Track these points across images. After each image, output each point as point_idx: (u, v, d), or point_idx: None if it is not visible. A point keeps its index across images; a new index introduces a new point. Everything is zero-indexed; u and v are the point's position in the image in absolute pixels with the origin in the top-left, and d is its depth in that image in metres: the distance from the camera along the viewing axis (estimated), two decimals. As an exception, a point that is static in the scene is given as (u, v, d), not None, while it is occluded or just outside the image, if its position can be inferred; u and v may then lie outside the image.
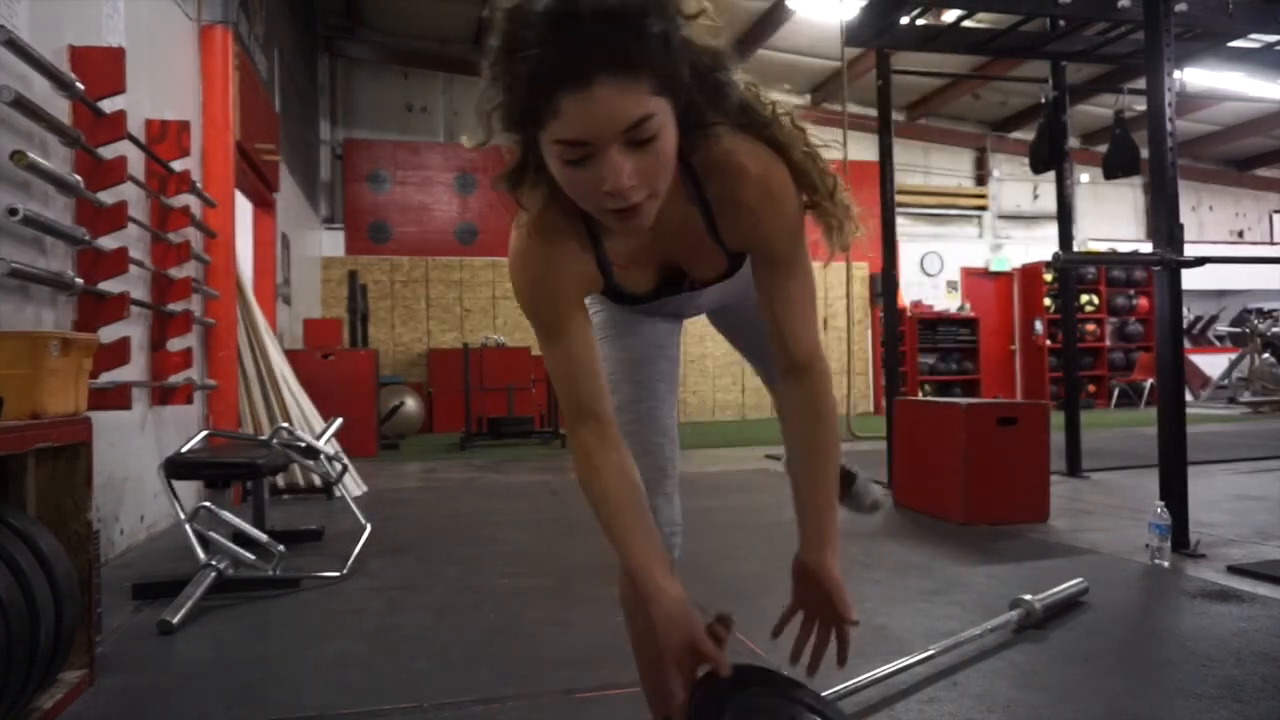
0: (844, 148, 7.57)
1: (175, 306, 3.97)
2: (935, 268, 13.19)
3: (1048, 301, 12.43)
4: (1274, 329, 11.11)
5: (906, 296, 12.18)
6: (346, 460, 4.46)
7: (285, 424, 3.98)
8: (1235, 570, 2.93)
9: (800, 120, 1.15)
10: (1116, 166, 5.40)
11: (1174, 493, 3.24)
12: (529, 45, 0.87)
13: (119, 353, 3.14)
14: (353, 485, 5.09)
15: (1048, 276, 12.26)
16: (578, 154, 0.92)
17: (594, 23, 0.85)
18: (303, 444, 3.56)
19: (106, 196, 3.12)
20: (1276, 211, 15.22)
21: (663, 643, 1.08)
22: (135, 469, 3.64)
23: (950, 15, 5.02)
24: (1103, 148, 5.77)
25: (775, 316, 1.19)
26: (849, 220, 1.16)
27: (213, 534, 2.85)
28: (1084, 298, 12.50)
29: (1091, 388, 12.51)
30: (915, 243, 12.98)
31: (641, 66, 0.89)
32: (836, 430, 1.23)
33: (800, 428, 1.22)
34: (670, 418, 1.42)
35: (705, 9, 0.98)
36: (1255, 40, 5.32)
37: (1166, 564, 3.03)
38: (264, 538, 3.03)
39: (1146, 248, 3.90)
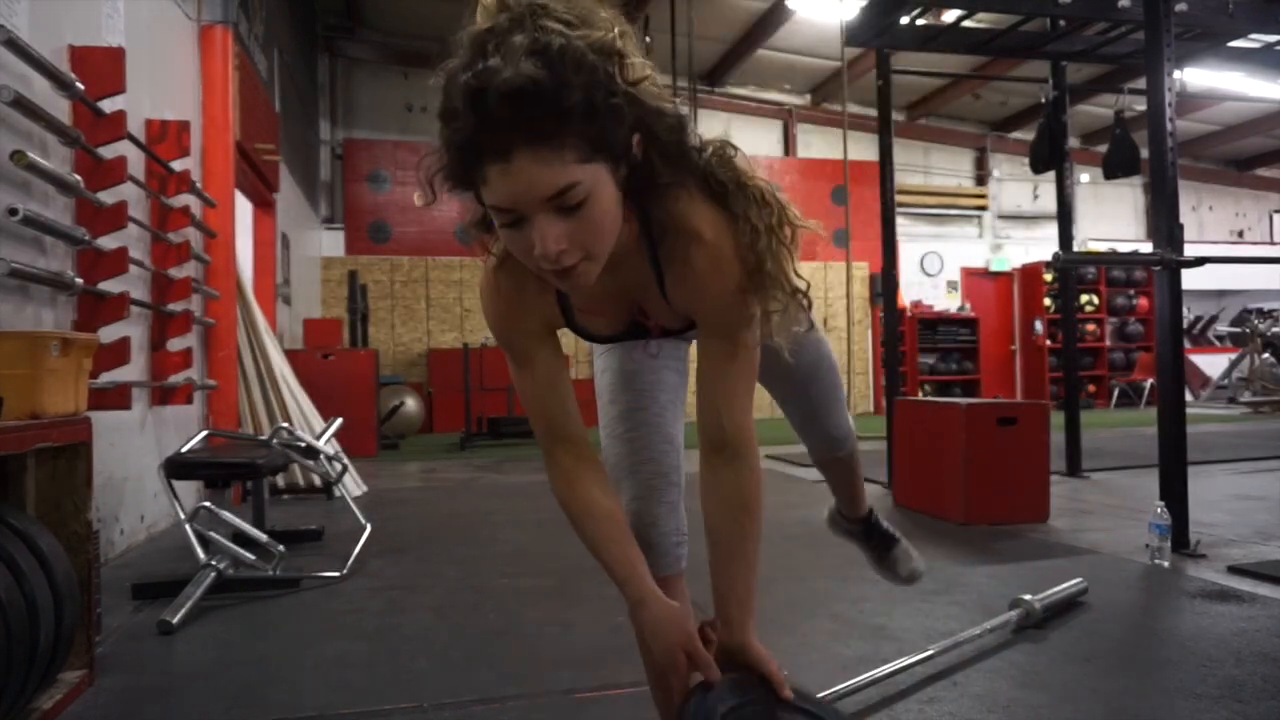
0: (844, 148, 7.59)
1: (175, 306, 3.97)
2: (935, 268, 13.19)
3: (1048, 301, 12.43)
4: (1274, 329, 11.11)
5: (906, 296, 12.17)
6: (346, 460, 4.46)
7: (285, 424, 3.98)
8: (1235, 570, 2.93)
9: (779, 195, 1.10)
10: (1116, 166, 5.40)
11: (1174, 493, 3.24)
12: (457, 116, 0.91)
13: (119, 353, 3.14)
14: (353, 485, 5.09)
15: (1048, 276, 12.26)
16: (508, 219, 0.96)
17: (504, 100, 0.87)
18: (303, 444, 3.56)
19: (106, 196, 3.12)
20: (1276, 211, 15.22)
21: (653, 647, 1.12)
22: (135, 469, 3.64)
23: (950, 15, 5.02)
24: (1103, 148, 5.77)
25: (708, 390, 1.16)
26: (792, 312, 1.11)
27: (213, 534, 2.85)
28: (1084, 298, 12.50)
29: (1091, 388, 12.51)
30: (915, 243, 12.98)
31: (562, 136, 0.89)
32: (761, 516, 1.18)
33: (725, 515, 1.17)
34: (675, 426, 1.40)
35: (648, 75, 0.99)
36: (1255, 40, 5.32)
37: (1166, 564, 3.03)
38: (264, 538, 3.03)
39: (1146, 248, 3.90)
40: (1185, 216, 3.39)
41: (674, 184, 1.06)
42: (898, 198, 5.60)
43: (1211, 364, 12.75)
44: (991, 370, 12.60)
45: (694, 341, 1.49)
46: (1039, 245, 13.06)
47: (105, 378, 3.08)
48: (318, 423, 5.27)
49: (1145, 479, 4.80)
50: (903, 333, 11.38)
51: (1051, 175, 5.43)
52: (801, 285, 1.12)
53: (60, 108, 2.91)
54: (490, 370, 9.75)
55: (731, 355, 1.15)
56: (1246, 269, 10.93)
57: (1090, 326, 12.56)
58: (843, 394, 1.68)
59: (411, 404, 9.21)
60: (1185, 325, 8.00)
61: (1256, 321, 11.33)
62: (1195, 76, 8.46)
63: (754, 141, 12.05)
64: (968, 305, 12.72)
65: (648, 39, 8.23)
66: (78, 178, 2.93)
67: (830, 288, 12.25)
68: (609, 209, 0.98)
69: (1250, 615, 2.43)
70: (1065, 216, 5.37)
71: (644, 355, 1.39)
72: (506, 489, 5.43)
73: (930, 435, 4.16)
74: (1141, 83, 3.66)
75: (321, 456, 3.63)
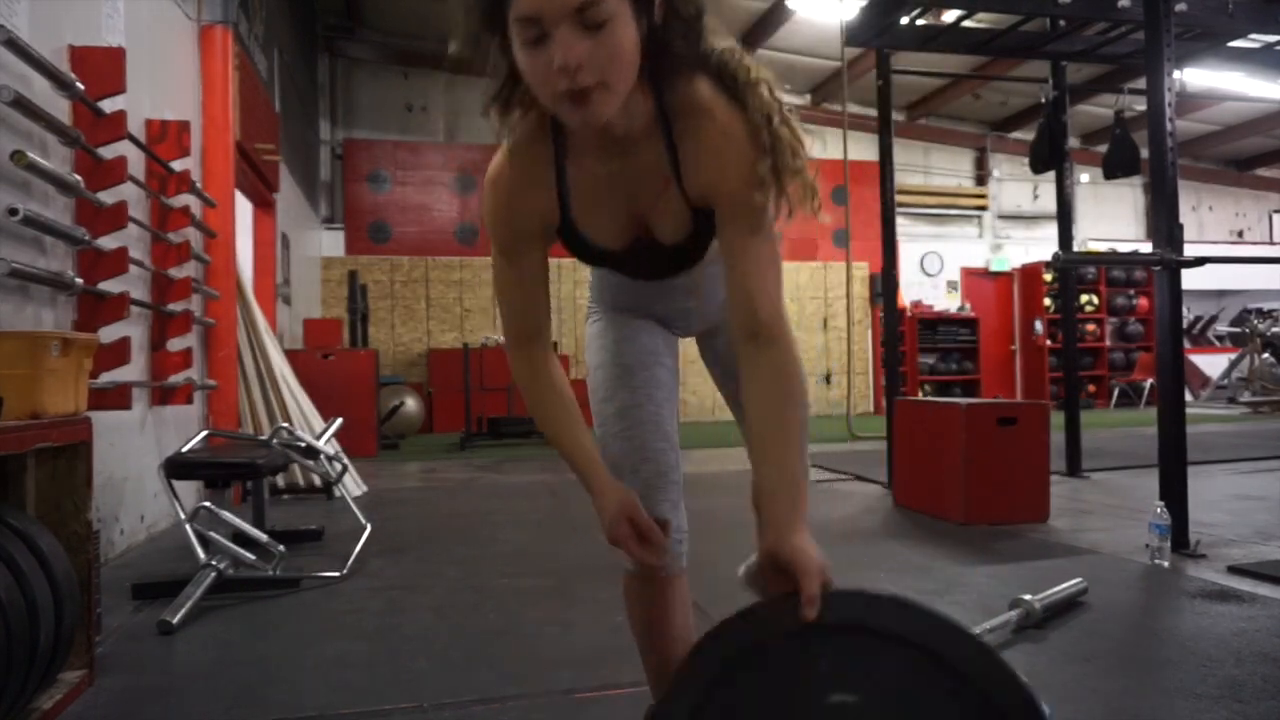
0: (844, 148, 7.59)
1: (175, 306, 3.97)
2: (935, 268, 13.19)
3: (1048, 301, 12.43)
4: (1274, 329, 11.11)
5: (906, 296, 12.17)
6: (346, 460, 4.46)
7: (285, 424, 3.98)
8: (1235, 570, 2.93)
9: (780, 94, 1.13)
10: (1116, 166, 5.40)
11: (1174, 493, 3.24)
12: None
13: (119, 353, 3.14)
14: (353, 485, 5.09)
15: (1048, 276, 12.26)
16: (533, 33, 0.97)
17: None
18: (303, 444, 3.56)
19: (106, 196, 3.12)
20: (1276, 211, 15.22)
21: (607, 531, 1.18)
22: (135, 469, 3.64)
23: (950, 15, 5.02)
24: (1103, 148, 5.77)
25: (736, 275, 1.15)
26: (808, 200, 1.13)
27: (213, 534, 2.85)
28: (1084, 298, 12.50)
29: (1091, 388, 12.51)
30: (915, 243, 12.98)
31: None
32: (805, 404, 1.14)
33: (767, 402, 1.13)
34: (672, 424, 1.40)
35: None
36: (1255, 40, 5.32)
37: (1166, 564, 3.03)
38: (264, 538, 3.02)
39: (1146, 248, 3.90)
40: (1185, 216, 3.39)
41: (688, 68, 1.10)
42: (898, 198, 5.60)
43: (1211, 364, 12.75)
44: (991, 370, 12.60)
45: (682, 336, 1.52)
46: (1039, 245, 13.06)
47: (105, 378, 3.08)
48: (318, 423, 5.27)
49: (1145, 479, 4.80)
50: (903, 333, 11.38)
51: (1051, 175, 5.43)
52: (811, 173, 1.13)
53: (60, 108, 2.91)
54: (490, 370, 9.75)
55: (754, 237, 1.14)
56: (1246, 269, 10.93)
57: (1090, 326, 12.56)
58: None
59: (411, 404, 9.21)
60: (1185, 325, 8.00)
61: (1256, 321, 11.33)
62: (1195, 76, 8.46)
63: (754, 141, 12.02)
64: (968, 305, 12.72)
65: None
66: (78, 178, 2.93)
67: (830, 288, 12.26)
68: (629, 44, 1.00)
69: (1250, 615, 2.43)
70: (1065, 216, 5.37)
71: (646, 347, 1.41)
72: (506, 489, 5.43)
73: (930, 435, 4.16)
74: (1141, 83, 3.66)
75: (321, 456, 3.63)
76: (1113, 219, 14.18)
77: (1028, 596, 2.37)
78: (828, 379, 12.18)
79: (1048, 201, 12.75)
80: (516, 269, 1.23)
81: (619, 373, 1.39)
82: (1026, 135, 12.25)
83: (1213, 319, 13.83)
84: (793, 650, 0.93)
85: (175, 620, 2.49)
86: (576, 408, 1.28)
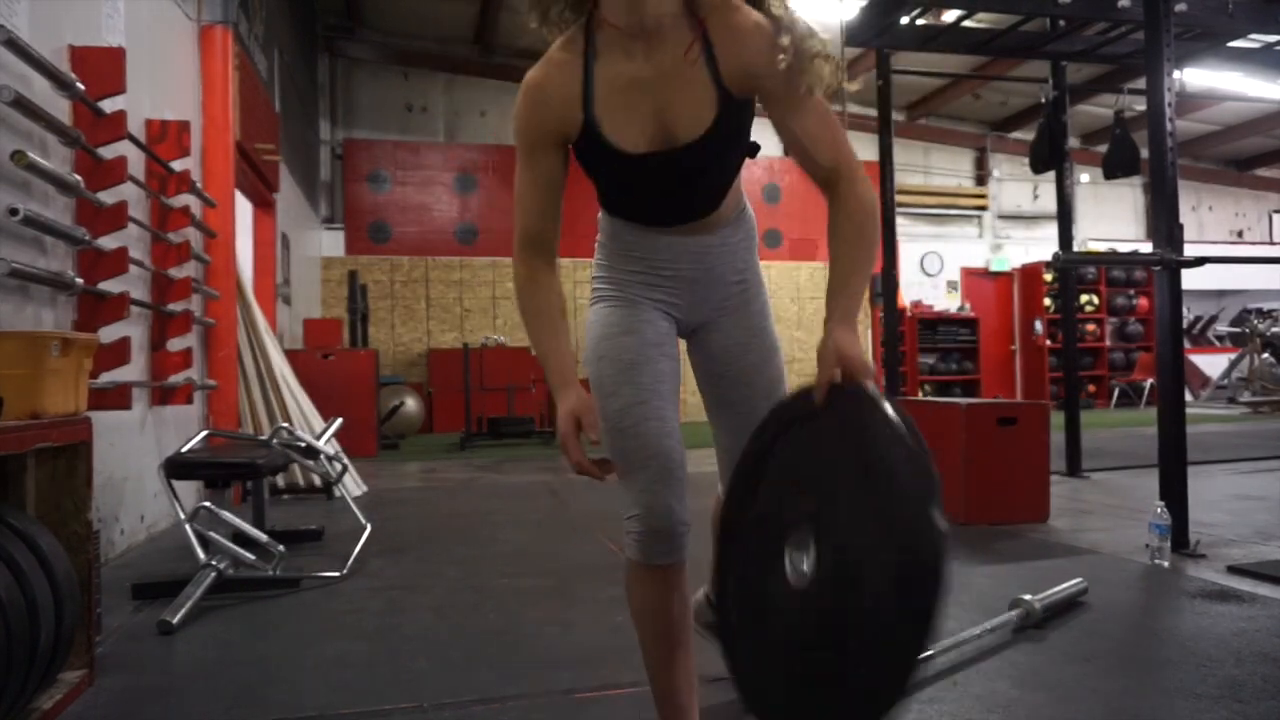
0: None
1: (175, 306, 3.97)
2: (935, 268, 13.19)
3: (1048, 301, 12.43)
4: (1274, 329, 11.11)
5: (906, 296, 12.16)
6: (346, 460, 4.46)
7: (285, 424, 3.98)
8: (1235, 570, 2.93)
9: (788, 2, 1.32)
10: (1116, 166, 5.40)
11: (1174, 493, 3.24)
12: None
13: (119, 353, 3.14)
14: (353, 485, 5.09)
15: (1048, 276, 12.26)
16: None
17: None
18: (303, 444, 3.56)
19: (106, 196, 3.12)
20: (1276, 211, 15.21)
21: (559, 425, 1.30)
22: (135, 469, 3.64)
23: (950, 15, 5.02)
24: (1103, 148, 5.77)
25: (795, 137, 1.33)
26: (836, 75, 1.30)
27: (213, 534, 2.85)
28: (1084, 298, 12.50)
29: (1091, 388, 12.51)
30: (915, 243, 12.98)
31: None
32: (878, 226, 1.35)
33: (852, 222, 1.32)
34: (675, 418, 1.43)
35: None
36: (1255, 40, 5.32)
37: (1166, 564, 3.03)
38: (264, 538, 3.02)
39: (1146, 248, 3.90)
40: (1185, 216, 3.39)
41: None
42: (898, 198, 5.61)
43: (1211, 364, 12.75)
44: (991, 370, 12.60)
45: (682, 324, 1.56)
46: (1039, 245, 13.05)
47: (105, 378, 3.08)
48: (318, 423, 5.27)
49: (1145, 479, 4.80)
50: (903, 333, 11.38)
51: (1051, 175, 5.44)
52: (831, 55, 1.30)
53: (60, 108, 2.91)
54: (490, 370, 9.76)
55: (798, 102, 1.30)
56: (1246, 269, 10.91)
57: (1090, 326, 12.56)
58: None
59: (411, 404, 9.21)
60: (1185, 325, 7.99)
61: (1256, 321, 11.33)
62: (1195, 76, 8.45)
63: (754, 141, 12.03)
64: (968, 305, 12.72)
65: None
66: (78, 178, 2.92)
67: (830, 288, 12.25)
68: None
69: (1250, 615, 2.43)
70: (1065, 216, 5.37)
71: (648, 338, 1.45)
72: (506, 489, 5.43)
73: (930, 435, 4.09)
74: (1141, 83, 3.66)
75: (321, 456, 3.63)
76: (1113, 219, 14.17)
77: (1028, 596, 2.37)
78: (828, 379, 12.16)
79: (1048, 201, 12.74)
80: (533, 171, 1.36)
81: (623, 368, 1.41)
82: (1026, 135, 12.24)
83: (1213, 319, 13.83)
84: (812, 422, 1.26)
85: (175, 620, 2.49)
86: (564, 320, 1.40)
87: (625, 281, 1.48)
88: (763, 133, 1.48)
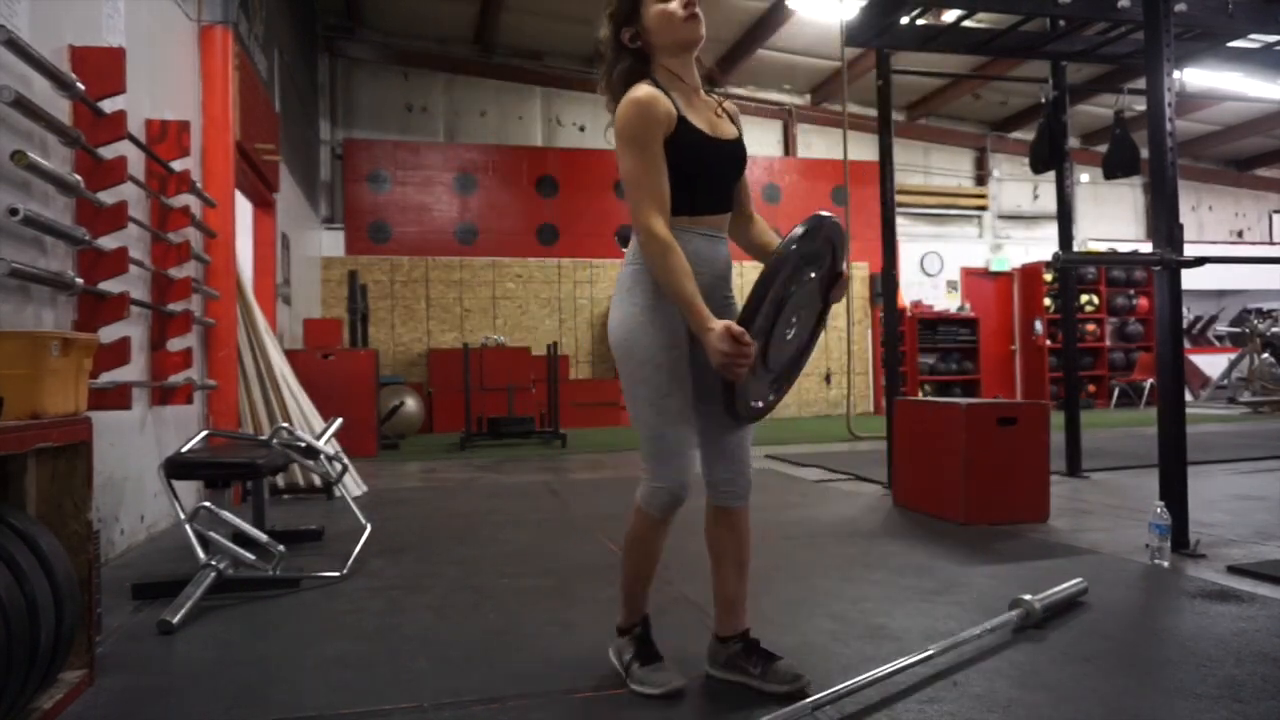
0: (844, 148, 7.59)
1: (175, 306, 3.97)
2: (935, 268, 13.19)
3: (1048, 301, 12.43)
4: (1273, 329, 11.11)
5: (906, 296, 12.17)
6: (346, 460, 4.46)
7: (285, 424, 3.97)
8: (1235, 570, 2.93)
9: None
10: (1116, 166, 5.40)
11: (1174, 493, 3.24)
12: None
13: (119, 353, 3.14)
14: (353, 485, 5.09)
15: (1048, 276, 12.26)
16: None
17: None
18: (303, 444, 3.56)
19: (106, 196, 3.12)
20: (1276, 211, 15.22)
21: (718, 342, 1.68)
22: (135, 469, 3.64)
23: (950, 15, 5.02)
24: (1103, 148, 5.77)
25: (743, 185, 2.08)
26: None
27: (213, 534, 2.85)
28: (1084, 298, 12.50)
29: (1091, 388, 12.52)
30: (915, 243, 12.99)
31: None
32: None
33: (764, 231, 2.12)
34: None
35: None
36: (1255, 40, 5.32)
37: (1166, 564, 3.03)
38: (264, 538, 3.02)
39: (1146, 248, 3.90)
40: (1185, 216, 3.40)
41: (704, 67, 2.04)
42: (898, 198, 5.60)
43: (1211, 364, 12.75)
44: (991, 370, 12.60)
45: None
46: (1039, 245, 13.06)
47: (105, 378, 3.08)
48: (318, 423, 5.27)
49: (1145, 479, 4.80)
50: (903, 333, 11.39)
51: (1051, 175, 5.43)
52: None
53: (60, 108, 2.91)
54: (490, 370, 9.76)
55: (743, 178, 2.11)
56: (1246, 269, 10.94)
57: (1090, 326, 12.56)
58: None
59: (411, 404, 9.21)
60: (1185, 325, 8.00)
61: (1256, 321, 11.34)
62: (1195, 76, 8.46)
63: (754, 141, 12.04)
64: (968, 305, 12.72)
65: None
66: (78, 178, 2.93)
67: (830, 288, 12.24)
68: None
69: (1250, 615, 2.43)
70: (1065, 216, 5.37)
71: (680, 354, 1.90)
72: (506, 489, 5.43)
73: (930, 435, 4.16)
74: (1141, 83, 3.66)
75: (321, 456, 3.63)
76: (1113, 219, 14.18)
77: (1028, 596, 2.37)
78: (827, 379, 12.18)
79: (1048, 201, 12.76)
80: (656, 159, 1.82)
81: (675, 378, 1.88)
82: (1026, 135, 12.25)
83: (1213, 319, 13.83)
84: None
85: (175, 620, 2.49)
86: (688, 263, 1.79)
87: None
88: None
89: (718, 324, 1.71)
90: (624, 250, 2.11)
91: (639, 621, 2.05)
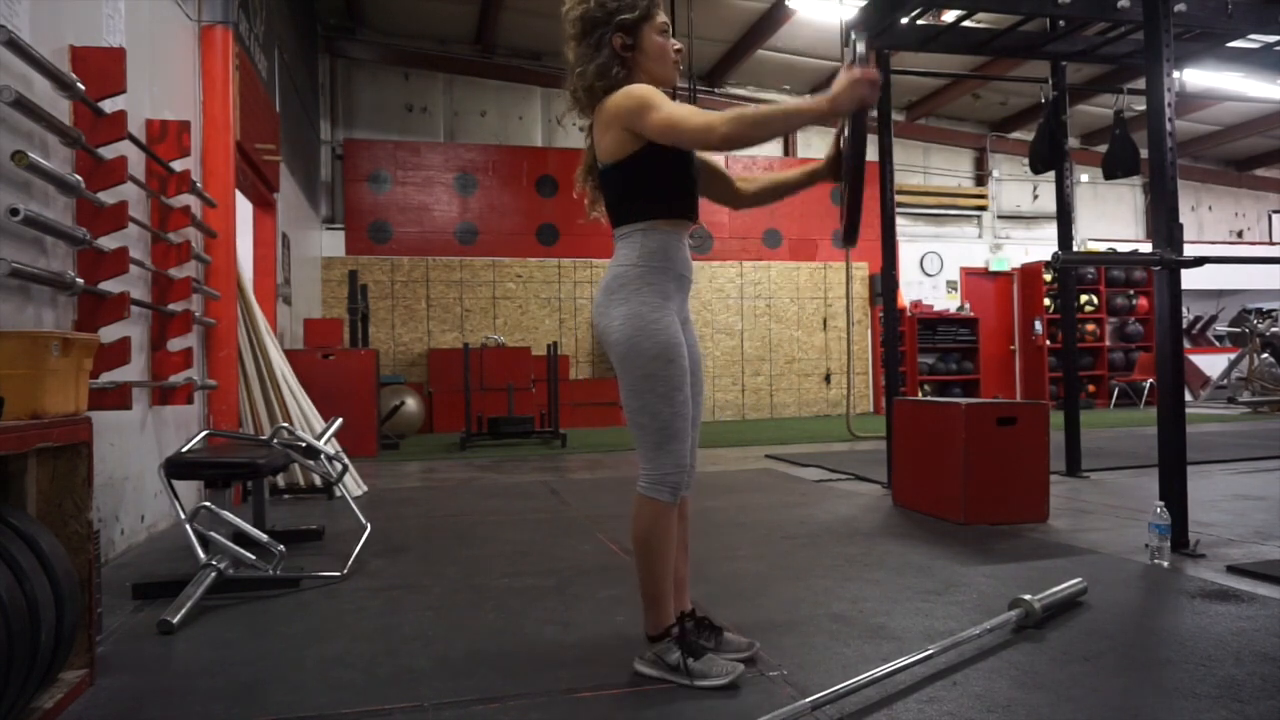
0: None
1: (175, 306, 3.97)
2: (935, 268, 13.19)
3: (1047, 301, 12.43)
4: (1273, 329, 11.11)
5: (906, 296, 12.17)
6: (347, 460, 4.46)
7: (285, 424, 3.98)
8: (1235, 570, 2.93)
9: None
10: (1116, 166, 5.40)
11: (1174, 493, 3.24)
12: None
13: (119, 353, 3.14)
14: (353, 485, 5.09)
15: (1047, 276, 12.26)
16: (666, 33, 2.12)
17: None
18: (303, 444, 3.56)
19: (107, 196, 3.12)
20: (1276, 211, 15.22)
21: (848, 88, 1.83)
22: (135, 469, 3.64)
23: (950, 15, 5.02)
24: (1103, 148, 5.77)
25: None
26: None
27: (213, 534, 2.85)
28: (1084, 298, 12.50)
29: (1091, 388, 12.51)
30: (915, 243, 12.98)
31: None
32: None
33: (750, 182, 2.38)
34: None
35: None
36: (1255, 40, 5.32)
37: (1166, 564, 3.03)
38: (264, 538, 3.03)
39: (1146, 248, 3.90)
40: (1185, 216, 3.40)
41: None
42: (897, 198, 5.61)
43: (1211, 364, 12.75)
44: (991, 370, 12.60)
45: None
46: (1039, 245, 13.06)
47: (105, 378, 3.08)
48: (318, 423, 5.27)
49: (1145, 479, 4.81)
50: (902, 333, 11.39)
51: (1051, 175, 5.43)
52: None
53: (61, 108, 2.91)
54: (490, 370, 9.76)
55: None
56: (1246, 269, 10.93)
57: (1090, 326, 12.56)
58: None
59: (412, 404, 9.21)
60: (1185, 325, 8.00)
61: (1255, 321, 11.33)
62: (1195, 76, 8.46)
63: (754, 141, 12.02)
64: (967, 305, 12.72)
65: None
66: (78, 178, 2.92)
67: (830, 288, 12.26)
68: None
69: (1249, 615, 2.43)
70: (1065, 216, 5.37)
71: (684, 351, 2.05)
72: (506, 489, 5.43)
73: (930, 435, 4.16)
74: (1141, 83, 3.66)
75: (322, 456, 3.63)
76: (1112, 219, 14.18)
77: (1028, 596, 2.37)
78: (827, 379, 12.18)
79: (1047, 201, 12.76)
80: (673, 105, 1.97)
81: (680, 371, 2.01)
82: (1026, 135, 12.25)
83: (1212, 319, 13.83)
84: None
85: (175, 620, 2.49)
86: (766, 110, 1.90)
87: (668, 293, 2.05)
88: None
89: (826, 93, 1.86)
90: None
91: (676, 622, 2.04)
